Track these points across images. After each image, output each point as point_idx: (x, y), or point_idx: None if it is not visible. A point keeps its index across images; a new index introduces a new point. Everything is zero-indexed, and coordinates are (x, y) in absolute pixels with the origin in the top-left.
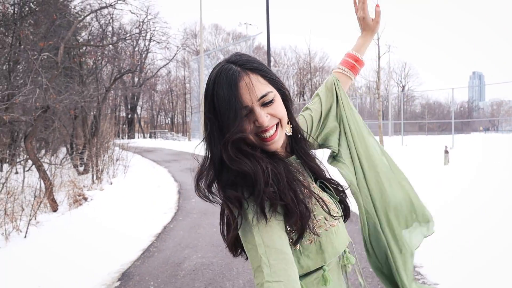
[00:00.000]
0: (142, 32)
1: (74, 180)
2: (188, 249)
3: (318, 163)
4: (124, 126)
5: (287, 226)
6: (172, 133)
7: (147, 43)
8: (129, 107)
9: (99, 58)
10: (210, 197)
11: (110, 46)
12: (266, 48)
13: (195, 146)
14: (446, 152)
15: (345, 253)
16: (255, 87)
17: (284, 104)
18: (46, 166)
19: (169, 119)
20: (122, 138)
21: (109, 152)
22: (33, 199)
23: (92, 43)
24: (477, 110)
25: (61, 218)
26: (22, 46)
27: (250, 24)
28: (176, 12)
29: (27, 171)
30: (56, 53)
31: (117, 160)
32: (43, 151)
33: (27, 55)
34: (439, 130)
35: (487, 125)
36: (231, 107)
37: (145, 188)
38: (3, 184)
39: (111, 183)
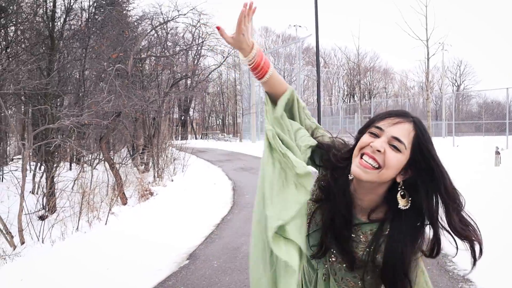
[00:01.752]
0: (194, 37)
1: (140, 178)
2: (244, 237)
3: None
4: (178, 127)
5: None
6: (224, 134)
7: (199, 48)
8: (182, 109)
9: (158, 65)
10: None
11: (172, 55)
12: (314, 49)
13: (246, 147)
14: (497, 153)
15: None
16: (401, 129)
17: (404, 171)
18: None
19: (220, 120)
20: (176, 139)
21: (167, 152)
22: (105, 194)
23: (153, 53)
24: None
25: (132, 210)
26: (95, 56)
27: (300, 26)
28: (225, 15)
29: (94, 169)
30: (120, 61)
31: (174, 159)
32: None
33: (102, 66)
34: (497, 130)
35: None
36: (369, 121)
37: (202, 185)
38: (75, 180)
39: (172, 180)
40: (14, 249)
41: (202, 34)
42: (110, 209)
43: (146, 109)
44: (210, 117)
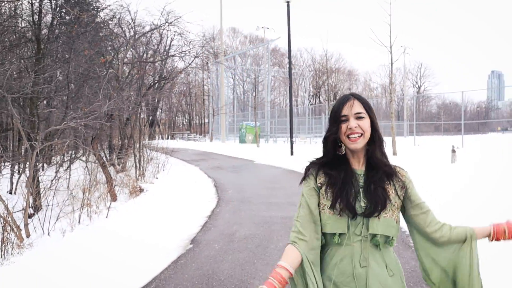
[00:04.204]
0: (162, 37)
1: (129, 176)
2: (236, 225)
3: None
4: (145, 127)
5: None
6: (194, 134)
7: (167, 48)
8: (150, 109)
9: (140, 69)
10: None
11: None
12: (282, 50)
13: (217, 147)
14: (453, 151)
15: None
16: (354, 106)
17: (372, 127)
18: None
19: (186, 120)
20: (144, 140)
21: (143, 152)
22: (93, 191)
23: (138, 58)
24: (495, 110)
25: (126, 205)
26: (84, 60)
27: (268, 28)
28: (193, 15)
29: (74, 169)
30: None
31: (151, 159)
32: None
33: (94, 70)
34: (455, 130)
35: (506, 125)
36: (335, 115)
37: (185, 183)
38: (55, 180)
39: (157, 178)
40: (21, 242)
41: (171, 35)
42: (110, 204)
43: (126, 109)
44: (176, 117)
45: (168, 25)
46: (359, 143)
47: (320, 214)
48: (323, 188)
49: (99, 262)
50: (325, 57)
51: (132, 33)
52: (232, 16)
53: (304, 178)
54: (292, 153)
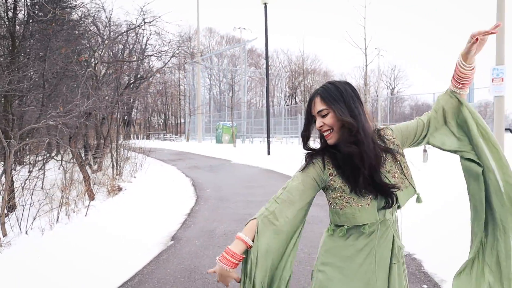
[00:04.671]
0: (138, 36)
1: (107, 175)
2: (216, 222)
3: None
4: (121, 127)
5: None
6: (170, 134)
7: (143, 47)
8: (125, 109)
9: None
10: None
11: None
12: (258, 51)
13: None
14: (425, 151)
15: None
16: (316, 105)
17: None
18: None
19: (162, 120)
20: (120, 139)
21: (120, 151)
22: (67, 191)
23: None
24: None
25: (105, 204)
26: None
27: (244, 29)
28: (171, 15)
29: (48, 169)
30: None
31: (128, 158)
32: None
33: (72, 69)
34: None
35: None
36: (306, 115)
37: (163, 182)
38: (26, 180)
39: (135, 177)
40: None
41: (147, 34)
42: (89, 203)
43: (104, 108)
44: (152, 117)
45: (145, 24)
46: (332, 138)
47: (341, 209)
48: (337, 177)
49: (80, 258)
50: (302, 58)
51: (107, 32)
52: (209, 16)
53: (306, 166)
54: (269, 153)
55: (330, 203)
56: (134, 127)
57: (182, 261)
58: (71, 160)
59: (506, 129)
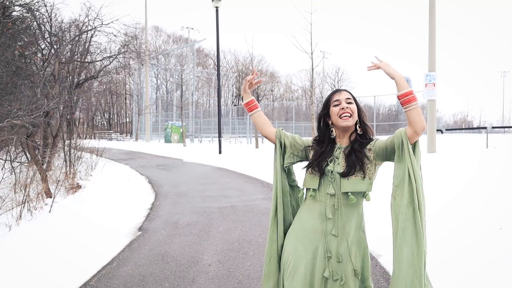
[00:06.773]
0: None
1: (63, 173)
2: (178, 215)
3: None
4: (69, 126)
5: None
6: (117, 133)
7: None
8: (68, 108)
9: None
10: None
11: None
12: (205, 51)
13: (142, 146)
14: None
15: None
16: (344, 94)
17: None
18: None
19: (106, 119)
20: (68, 139)
21: (71, 151)
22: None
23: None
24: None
25: (66, 200)
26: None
27: (192, 28)
28: (115, 12)
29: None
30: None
31: (79, 158)
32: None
33: (32, 70)
34: None
35: None
36: (327, 101)
37: (119, 180)
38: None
39: (91, 175)
40: None
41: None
42: (53, 199)
43: (57, 108)
44: (95, 116)
45: (95, 29)
46: (350, 121)
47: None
48: (311, 153)
49: (57, 248)
50: (250, 60)
51: (48, 28)
52: (155, 14)
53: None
54: (220, 152)
55: None
56: (76, 127)
57: (153, 247)
58: (21, 159)
59: (437, 130)
